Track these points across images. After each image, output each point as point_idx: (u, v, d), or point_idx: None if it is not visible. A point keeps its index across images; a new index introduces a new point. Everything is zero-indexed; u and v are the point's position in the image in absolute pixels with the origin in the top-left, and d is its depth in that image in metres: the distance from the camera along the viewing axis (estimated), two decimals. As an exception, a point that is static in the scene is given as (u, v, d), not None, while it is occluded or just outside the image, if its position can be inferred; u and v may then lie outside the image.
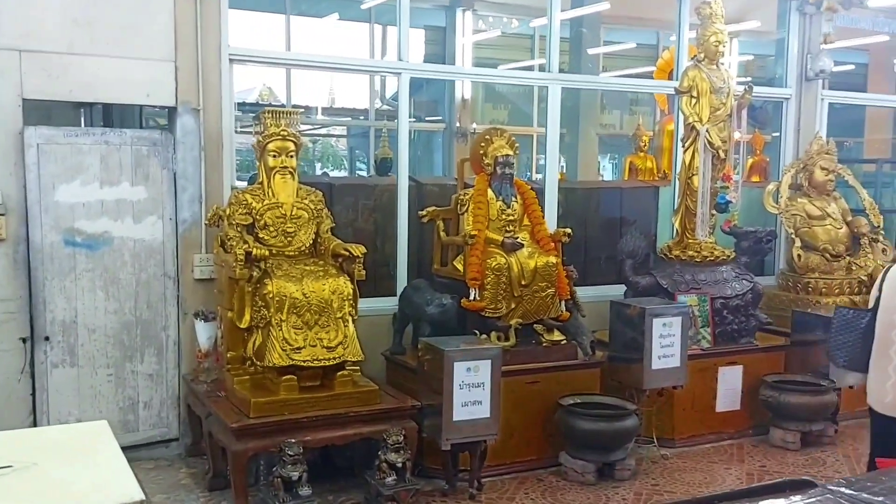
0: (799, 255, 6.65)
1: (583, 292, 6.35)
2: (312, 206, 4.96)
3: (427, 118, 12.23)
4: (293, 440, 4.23)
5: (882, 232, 6.98)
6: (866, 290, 6.58)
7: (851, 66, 11.47)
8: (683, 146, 6.20)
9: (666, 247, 6.28)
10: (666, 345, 5.39)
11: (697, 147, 6.03)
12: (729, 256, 6.16)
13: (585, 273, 6.85)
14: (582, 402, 5.16)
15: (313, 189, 5.07)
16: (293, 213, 4.87)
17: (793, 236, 6.75)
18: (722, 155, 6.01)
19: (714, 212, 6.11)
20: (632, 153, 9.64)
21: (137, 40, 4.99)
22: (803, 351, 6.11)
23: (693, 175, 6.07)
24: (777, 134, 7.73)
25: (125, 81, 4.99)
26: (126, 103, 5.45)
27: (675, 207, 6.32)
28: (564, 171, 10.51)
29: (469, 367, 4.50)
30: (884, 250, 6.87)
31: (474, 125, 11.04)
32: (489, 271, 5.14)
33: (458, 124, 11.13)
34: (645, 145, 9.51)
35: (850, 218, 6.95)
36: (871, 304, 3.71)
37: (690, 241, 6.13)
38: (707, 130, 5.97)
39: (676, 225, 6.28)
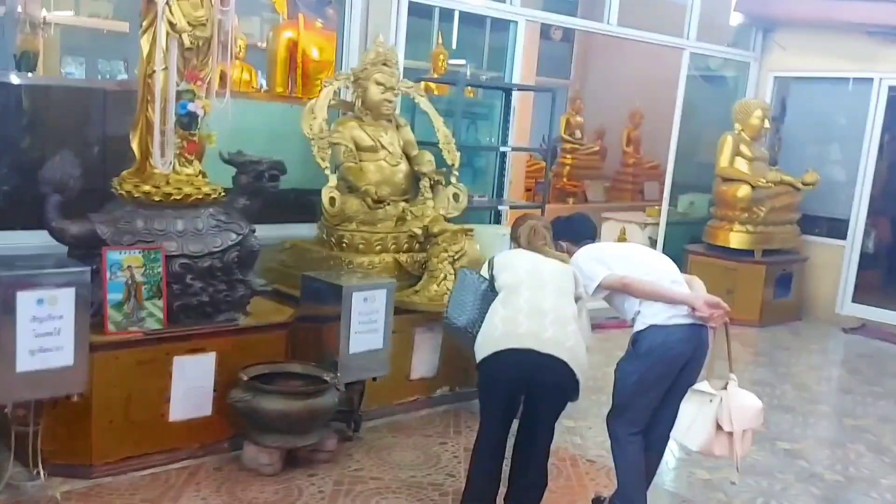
0: (332, 199, 4.93)
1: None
2: None
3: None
4: None
5: (456, 173, 5.50)
6: (419, 246, 5.08)
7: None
8: (141, 29, 4.15)
9: (120, 178, 4.23)
10: (44, 332, 3.39)
11: (158, 31, 4.02)
12: (213, 195, 4.27)
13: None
14: None
15: None
16: None
17: (327, 172, 5.00)
18: (189, 42, 4.03)
19: (183, 129, 4.16)
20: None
21: None
22: (314, 330, 4.45)
23: (152, 73, 4.06)
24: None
25: None
26: None
27: (134, 121, 4.25)
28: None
29: None
30: (455, 196, 5.40)
31: (45, 12, 8.37)
32: None
33: (20, 10, 8.39)
34: (240, 51, 7.51)
35: (414, 152, 5.39)
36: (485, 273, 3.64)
37: (154, 171, 4.15)
38: (168, 3, 3.96)
39: (135, 147, 4.24)
